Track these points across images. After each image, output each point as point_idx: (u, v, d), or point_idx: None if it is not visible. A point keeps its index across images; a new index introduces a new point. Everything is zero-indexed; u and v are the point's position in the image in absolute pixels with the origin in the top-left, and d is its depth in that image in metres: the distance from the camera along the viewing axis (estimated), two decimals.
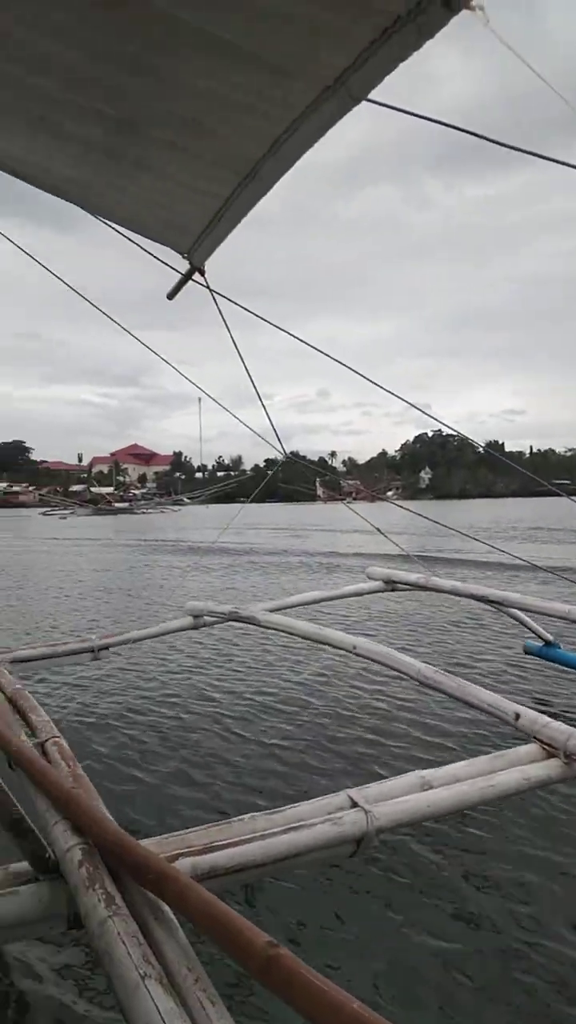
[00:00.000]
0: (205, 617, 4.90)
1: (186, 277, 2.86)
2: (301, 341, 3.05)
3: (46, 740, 2.22)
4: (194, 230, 2.63)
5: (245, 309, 2.91)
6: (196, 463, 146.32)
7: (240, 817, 1.93)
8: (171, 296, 3.04)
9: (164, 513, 62.52)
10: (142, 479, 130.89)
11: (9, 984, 2.41)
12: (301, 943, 2.58)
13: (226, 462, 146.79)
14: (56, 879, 1.74)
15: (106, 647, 4.53)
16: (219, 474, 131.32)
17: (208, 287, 2.78)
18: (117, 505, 70.60)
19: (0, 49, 1.79)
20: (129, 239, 2.86)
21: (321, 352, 3.01)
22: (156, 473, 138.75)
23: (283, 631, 4.30)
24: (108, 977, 1.29)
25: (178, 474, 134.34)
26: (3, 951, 2.51)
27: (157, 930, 1.37)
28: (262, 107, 1.88)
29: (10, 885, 1.78)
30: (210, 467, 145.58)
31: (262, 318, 2.96)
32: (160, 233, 2.83)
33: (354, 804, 1.94)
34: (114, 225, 2.86)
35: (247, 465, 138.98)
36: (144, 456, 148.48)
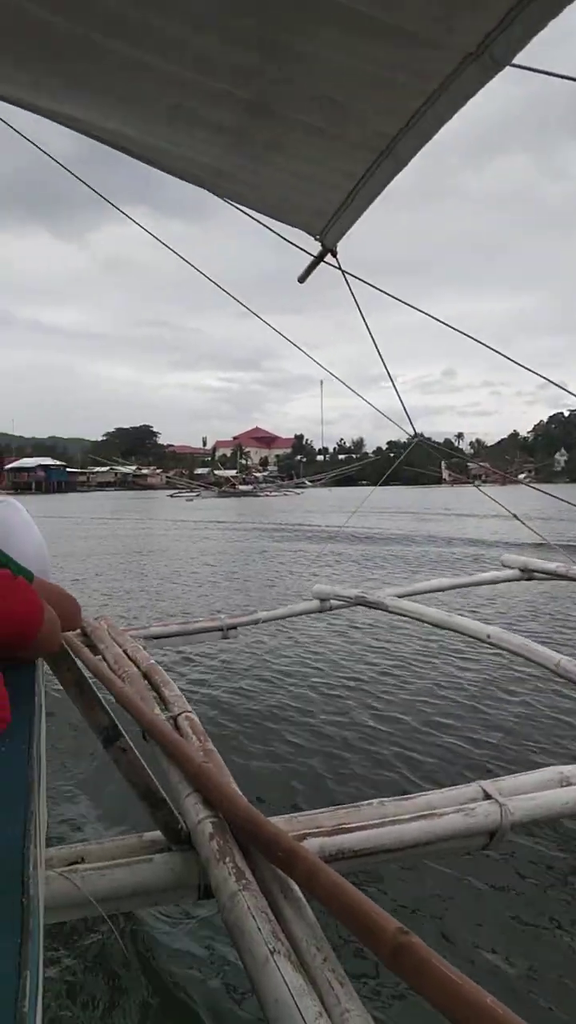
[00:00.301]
0: (332, 601, 4.91)
1: (318, 259, 2.84)
2: (434, 319, 2.96)
3: (179, 714, 2.28)
4: (327, 211, 2.60)
5: (379, 290, 2.85)
6: (317, 446, 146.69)
7: (369, 801, 1.91)
8: (302, 279, 3.02)
9: (287, 496, 63.02)
10: (263, 462, 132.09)
11: (143, 949, 2.50)
12: (426, 934, 2.55)
13: (347, 445, 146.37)
14: (187, 850, 1.78)
15: (235, 627, 4.63)
16: (340, 457, 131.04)
17: (340, 268, 2.74)
18: (241, 487, 71.74)
19: (137, 38, 1.82)
20: (261, 223, 2.86)
21: (455, 329, 2.91)
22: (277, 456, 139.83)
23: (412, 617, 4.24)
24: (238, 949, 1.31)
25: (299, 457, 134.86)
26: (136, 916, 2.61)
27: (286, 907, 1.37)
28: (399, 80, 1.82)
29: (144, 853, 1.85)
30: (331, 450, 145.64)
31: (397, 298, 2.90)
32: (292, 216, 2.82)
33: (487, 796, 1.89)
34: (246, 210, 2.87)
35: (368, 448, 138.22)
36: (265, 439, 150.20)
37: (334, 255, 2.73)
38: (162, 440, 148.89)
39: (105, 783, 3.67)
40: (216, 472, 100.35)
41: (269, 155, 2.35)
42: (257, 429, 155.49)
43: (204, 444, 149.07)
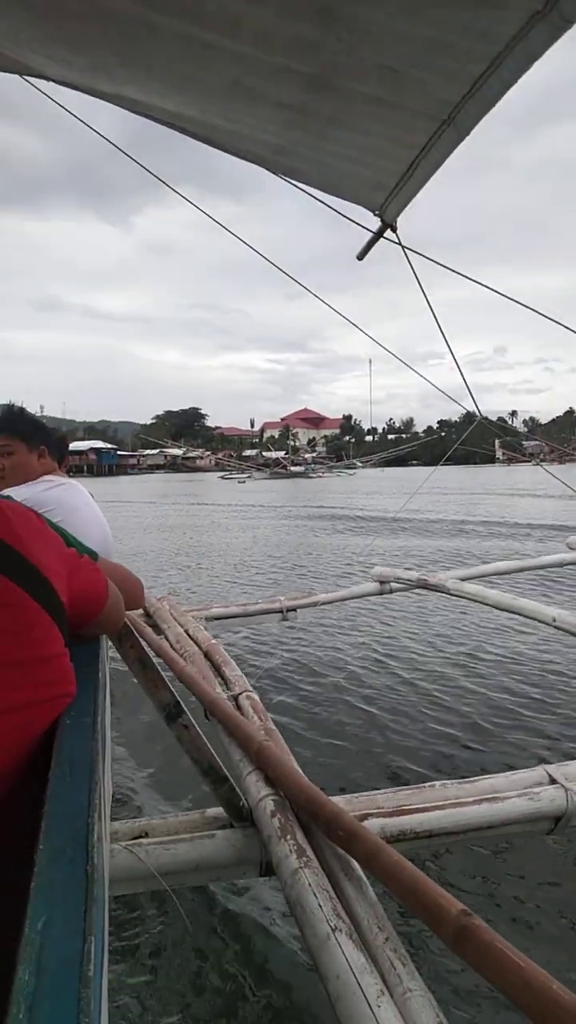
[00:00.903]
0: (392, 583, 4.88)
1: (377, 235, 2.79)
2: (498, 293, 2.89)
3: (240, 693, 2.30)
4: (386, 185, 2.55)
5: (442, 265, 2.80)
6: (366, 426, 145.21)
7: (431, 783, 1.89)
8: (361, 256, 2.98)
9: (340, 477, 62.32)
10: (311, 443, 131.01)
11: (205, 922, 2.55)
12: (488, 917, 2.52)
13: (397, 425, 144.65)
14: (249, 827, 1.80)
15: (294, 608, 4.64)
16: (390, 437, 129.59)
17: (400, 244, 2.70)
18: (292, 469, 71.34)
19: (195, 16, 1.81)
20: (319, 200, 2.83)
21: (518, 303, 2.84)
22: (325, 437, 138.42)
23: (474, 600, 4.18)
24: (299, 926, 1.32)
25: (348, 437, 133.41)
26: (199, 890, 2.65)
27: (347, 886, 1.37)
28: (463, 44, 1.77)
29: (207, 829, 1.87)
30: (380, 430, 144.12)
31: (462, 274, 2.83)
32: (351, 192, 2.78)
33: (553, 781, 1.85)
34: (304, 187, 2.84)
35: (418, 427, 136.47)
36: (314, 420, 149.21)
37: (394, 230, 2.69)
38: (210, 422, 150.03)
39: (167, 759, 3.74)
40: (264, 454, 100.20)
41: (329, 130, 2.31)
42: (305, 410, 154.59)
43: (252, 426, 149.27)
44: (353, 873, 1.41)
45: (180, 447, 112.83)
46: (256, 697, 2.31)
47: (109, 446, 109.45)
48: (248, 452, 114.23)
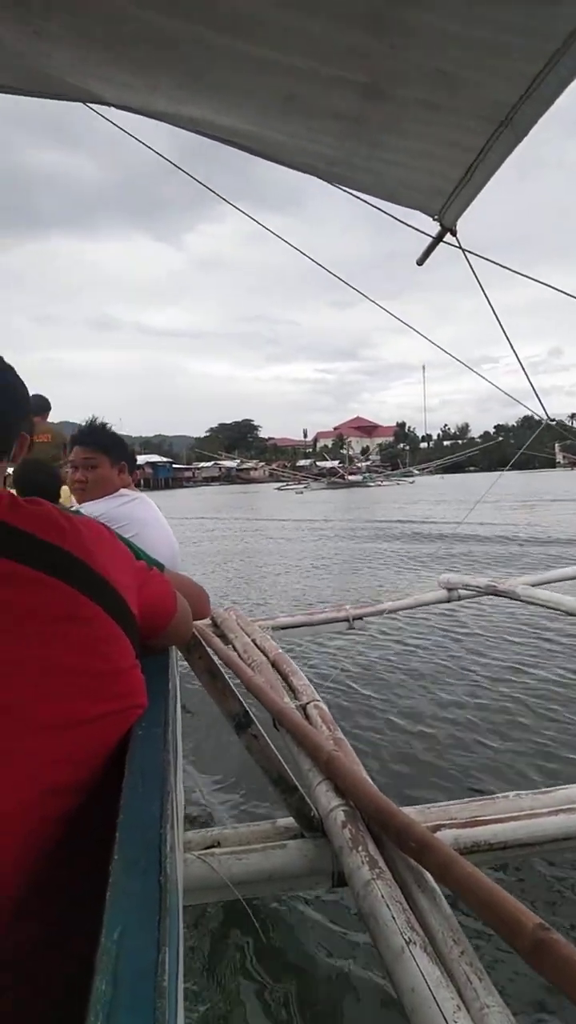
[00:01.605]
0: (460, 590, 4.81)
1: (437, 239, 2.77)
2: (561, 292, 2.84)
3: (307, 703, 2.30)
4: (444, 189, 2.54)
5: (505, 267, 2.76)
6: (420, 433, 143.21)
7: (504, 794, 1.86)
8: (420, 262, 2.96)
9: (400, 485, 60.70)
10: (365, 451, 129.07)
11: (277, 933, 2.54)
12: (567, 933, 2.45)
13: (452, 431, 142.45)
14: (320, 837, 1.80)
15: (360, 617, 4.62)
16: (445, 443, 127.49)
17: (461, 247, 2.67)
18: (350, 478, 69.95)
19: (249, 31, 1.83)
20: (377, 208, 2.82)
21: None
22: (379, 445, 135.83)
23: (546, 607, 4.10)
24: (372, 938, 1.31)
25: (402, 445, 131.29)
26: (271, 901, 2.65)
27: (420, 898, 1.35)
28: (519, 43, 1.74)
29: (278, 839, 1.87)
30: (435, 436, 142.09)
31: (528, 276, 2.80)
32: (408, 198, 2.77)
33: None
34: (360, 195, 2.84)
35: (474, 432, 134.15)
36: (366, 428, 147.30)
37: (453, 234, 2.66)
38: (263, 433, 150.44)
39: (237, 769, 3.76)
40: (319, 463, 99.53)
41: (384, 137, 2.31)
42: (358, 419, 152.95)
43: (305, 436, 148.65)
44: (426, 885, 1.39)
45: (234, 459, 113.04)
46: (324, 707, 2.30)
47: (165, 460, 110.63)
48: (302, 462, 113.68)
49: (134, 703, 0.92)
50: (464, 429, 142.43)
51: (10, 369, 0.99)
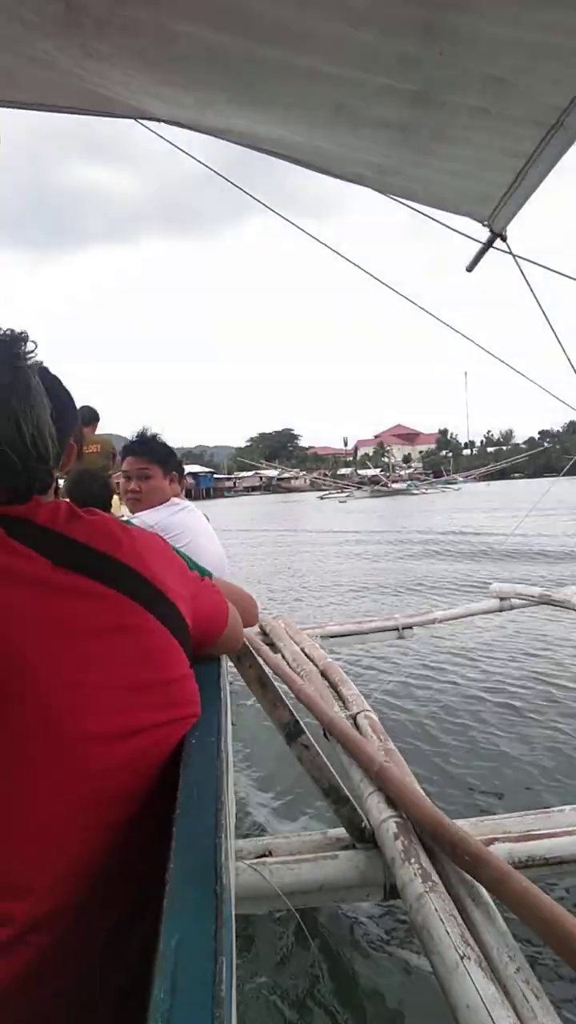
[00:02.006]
0: (513, 600, 4.75)
1: (487, 245, 2.74)
2: None
3: (357, 713, 2.29)
4: (494, 195, 2.51)
5: (556, 272, 2.72)
6: (462, 439, 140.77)
7: (560, 808, 1.83)
8: (471, 268, 2.94)
9: (446, 493, 58.23)
10: (406, 459, 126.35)
11: (329, 944, 2.53)
12: None
13: (495, 437, 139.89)
14: (371, 848, 1.78)
15: (410, 626, 4.58)
16: (489, 450, 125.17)
17: (511, 253, 2.64)
18: (394, 486, 67.91)
19: (298, 43, 1.84)
20: (426, 215, 2.81)
21: None
22: (421, 452, 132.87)
23: None
24: (425, 952, 1.29)
25: (444, 452, 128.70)
26: (322, 911, 2.64)
27: (474, 912, 1.34)
28: (570, 45, 1.72)
29: (329, 849, 1.86)
30: (478, 443, 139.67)
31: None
32: (457, 204, 2.75)
33: None
34: (409, 203, 2.83)
35: (518, 439, 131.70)
36: (408, 436, 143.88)
37: (503, 240, 2.64)
38: (303, 442, 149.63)
39: (286, 778, 3.75)
40: (360, 472, 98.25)
41: (433, 145, 2.30)
42: (399, 426, 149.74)
43: (345, 444, 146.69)
44: (480, 899, 1.37)
45: (276, 467, 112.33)
46: (375, 717, 2.29)
47: (206, 470, 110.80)
48: (343, 471, 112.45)
49: (189, 712, 0.93)
50: (508, 435, 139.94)
51: (57, 380, 1.01)
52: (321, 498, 63.29)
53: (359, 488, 68.24)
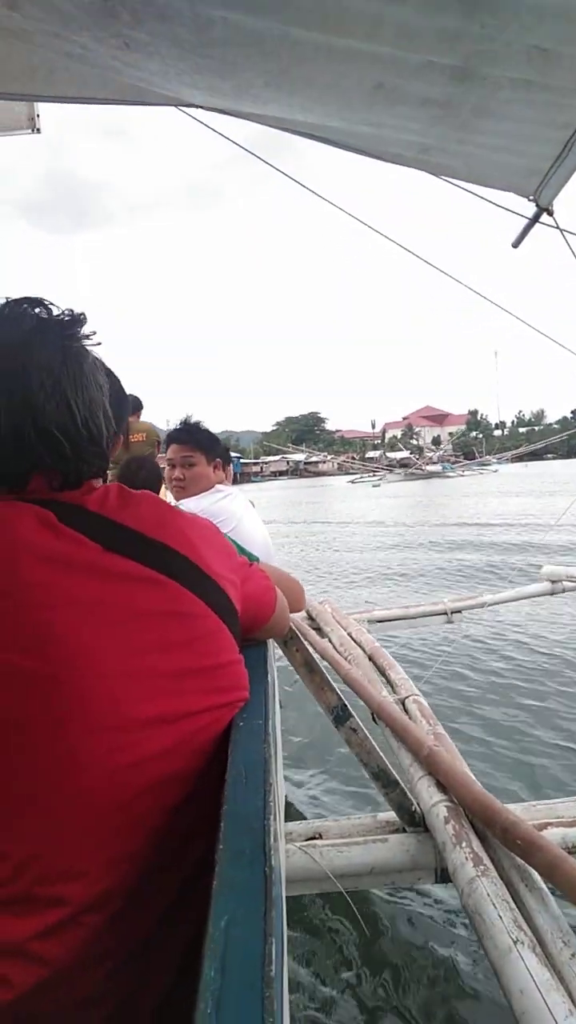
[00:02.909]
0: (564, 583, 4.67)
1: (533, 221, 2.69)
2: None
3: (406, 697, 2.28)
4: (540, 168, 2.46)
5: None
6: (492, 420, 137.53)
7: None
8: (516, 244, 2.89)
9: (483, 475, 55.69)
10: (436, 441, 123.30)
11: (379, 926, 2.54)
12: None
13: (526, 417, 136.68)
14: (422, 832, 1.78)
15: (459, 610, 4.54)
16: (520, 430, 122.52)
17: (559, 227, 2.59)
18: (428, 468, 65.56)
19: (335, 24, 1.81)
20: (469, 191, 2.77)
21: None
22: (451, 434, 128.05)
23: None
24: (478, 936, 1.29)
25: (475, 433, 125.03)
26: (374, 895, 2.65)
27: (527, 897, 1.32)
28: None
29: (379, 833, 1.87)
30: (509, 423, 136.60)
31: None
32: (501, 180, 2.70)
33: None
34: (451, 180, 2.79)
35: (550, 418, 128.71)
36: (436, 417, 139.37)
37: (550, 214, 2.58)
38: (330, 426, 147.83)
39: (335, 762, 3.76)
40: (389, 454, 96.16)
41: (475, 121, 2.26)
42: (428, 407, 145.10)
43: (373, 427, 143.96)
44: (533, 884, 1.36)
45: (303, 451, 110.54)
46: (423, 701, 2.28)
47: (233, 455, 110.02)
48: (371, 454, 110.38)
49: (238, 697, 0.94)
50: (539, 415, 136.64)
51: (113, 373, 1.02)
52: (352, 482, 60.84)
53: (391, 471, 65.49)
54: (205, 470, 2.78)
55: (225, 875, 0.61)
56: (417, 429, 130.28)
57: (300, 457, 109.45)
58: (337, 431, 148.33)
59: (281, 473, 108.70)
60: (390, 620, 4.43)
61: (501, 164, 2.56)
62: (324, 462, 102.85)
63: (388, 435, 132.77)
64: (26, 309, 0.91)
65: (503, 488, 34.18)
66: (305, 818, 2.91)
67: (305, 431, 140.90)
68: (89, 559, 0.84)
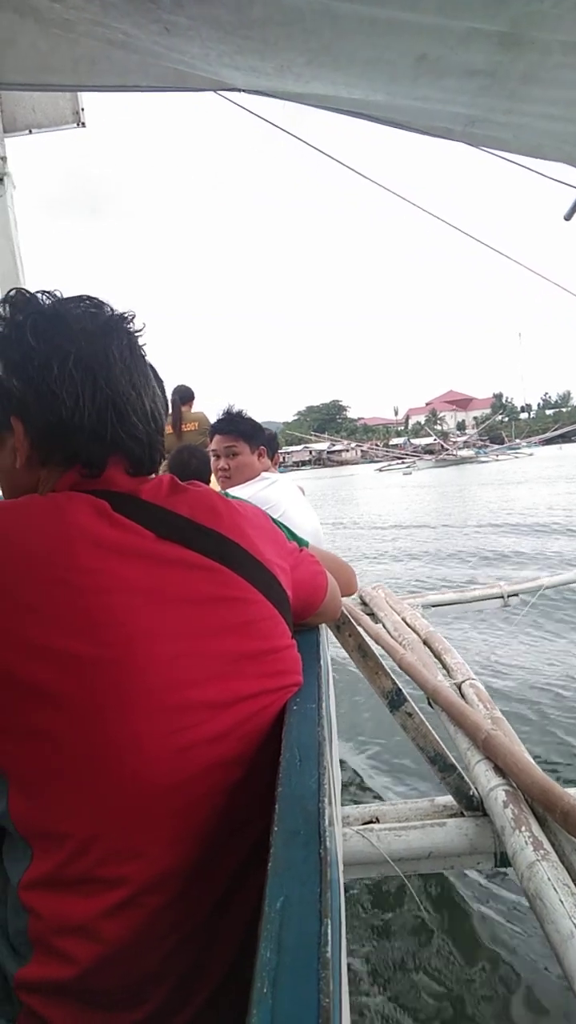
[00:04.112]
0: None
1: None
2: None
3: (462, 681, 2.25)
4: None
5: None
6: (517, 403, 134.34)
7: None
8: (568, 216, 2.82)
9: (518, 459, 52.60)
10: (460, 426, 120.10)
11: (439, 910, 2.53)
12: None
13: (553, 399, 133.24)
14: (480, 816, 1.77)
15: (516, 594, 4.46)
16: (548, 412, 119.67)
17: None
18: (460, 453, 62.52)
19: None
20: (518, 164, 2.70)
21: None
22: (475, 418, 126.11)
23: None
24: (539, 921, 1.27)
25: (500, 417, 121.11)
26: (433, 879, 2.64)
27: None
28: None
29: (437, 817, 1.86)
30: (535, 406, 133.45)
31: None
32: (552, 150, 2.62)
33: None
34: (500, 153, 2.73)
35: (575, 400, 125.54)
36: (461, 401, 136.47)
37: None
38: (351, 414, 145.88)
39: (390, 746, 3.75)
40: (413, 441, 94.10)
41: (524, 89, 2.20)
42: (451, 392, 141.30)
43: (395, 413, 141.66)
44: None
45: (325, 439, 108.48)
46: (480, 685, 2.25)
47: None
48: (395, 441, 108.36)
49: (291, 681, 0.94)
50: (565, 397, 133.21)
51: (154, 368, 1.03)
52: (380, 470, 57.43)
53: (421, 458, 62.58)
54: (249, 459, 2.79)
55: (280, 856, 0.61)
56: (441, 414, 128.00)
57: (323, 446, 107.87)
58: (359, 419, 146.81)
59: (304, 463, 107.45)
60: (445, 604, 4.38)
61: (552, 133, 2.50)
62: (348, 450, 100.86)
63: (411, 421, 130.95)
64: (90, 303, 0.94)
65: (548, 473, 31.12)
66: (362, 802, 2.91)
67: (327, 420, 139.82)
68: (143, 546, 0.84)
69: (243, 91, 2.44)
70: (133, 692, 0.77)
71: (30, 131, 3.97)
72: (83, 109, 3.88)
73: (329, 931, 0.51)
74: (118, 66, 2.27)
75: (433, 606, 4.28)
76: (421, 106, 2.49)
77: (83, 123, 3.92)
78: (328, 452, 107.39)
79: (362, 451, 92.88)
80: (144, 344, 0.98)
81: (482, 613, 5.55)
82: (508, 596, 4.40)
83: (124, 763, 0.76)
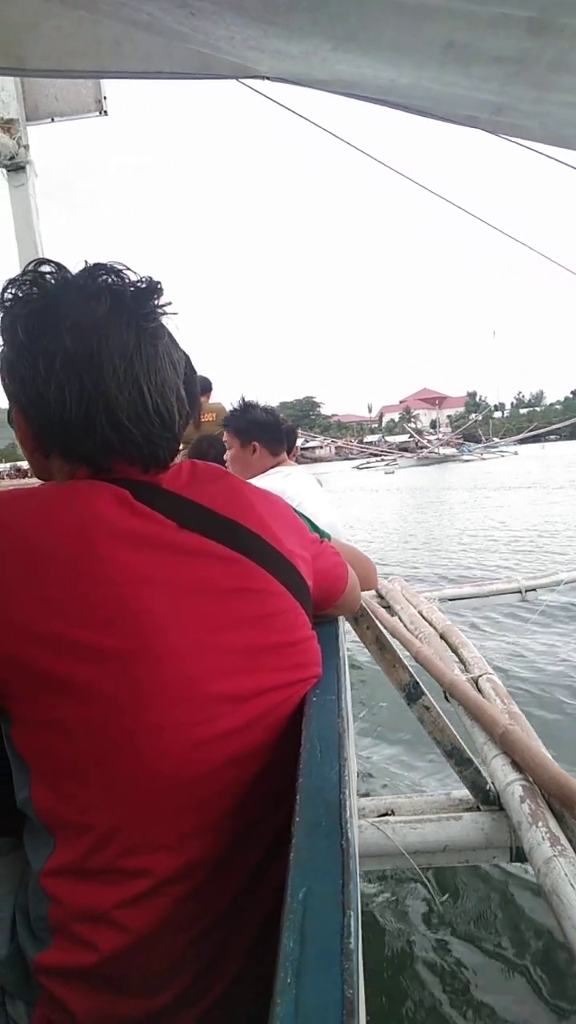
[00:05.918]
0: None
1: None
2: None
3: (479, 676, 2.24)
4: None
5: None
6: (491, 402, 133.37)
7: None
8: None
9: (503, 458, 51.06)
10: (434, 424, 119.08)
11: (453, 904, 2.52)
12: None
13: (526, 398, 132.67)
14: (497, 811, 1.76)
15: (533, 588, 4.45)
16: (521, 411, 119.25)
17: None
18: (443, 452, 59.86)
19: None
20: (546, 155, 2.67)
21: None
22: (449, 416, 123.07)
23: None
24: (555, 916, 1.26)
25: (474, 416, 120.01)
26: (447, 872, 2.63)
27: None
28: None
29: (453, 810, 1.85)
30: (509, 405, 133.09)
31: None
32: None
33: None
34: (526, 143, 2.70)
35: (549, 399, 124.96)
36: (434, 399, 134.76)
37: None
38: (325, 411, 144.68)
39: (406, 740, 3.75)
40: (388, 438, 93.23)
41: (553, 77, 2.16)
42: (425, 390, 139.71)
43: (369, 411, 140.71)
44: None
45: (300, 435, 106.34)
46: (497, 680, 2.24)
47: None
48: (369, 438, 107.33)
49: (311, 673, 0.94)
50: (539, 396, 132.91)
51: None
52: (358, 468, 53.50)
53: (402, 455, 57.77)
54: (239, 453, 2.77)
55: (302, 847, 0.60)
56: (415, 412, 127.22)
57: (297, 442, 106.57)
58: (333, 415, 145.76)
59: None
60: (462, 598, 4.37)
61: None
62: (322, 447, 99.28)
63: (385, 419, 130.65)
64: (101, 283, 0.86)
65: (544, 476, 27.75)
66: (377, 795, 2.91)
67: (301, 416, 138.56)
68: (164, 536, 0.84)
69: (267, 78, 2.42)
70: (153, 685, 0.77)
71: (52, 119, 3.97)
72: (105, 97, 3.88)
73: (351, 923, 0.50)
74: (141, 49, 2.25)
75: (450, 600, 4.27)
76: (447, 92, 2.47)
77: (105, 111, 3.91)
78: (302, 449, 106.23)
79: (336, 448, 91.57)
80: (175, 328, 0.92)
81: (499, 608, 5.53)
82: (526, 591, 4.38)
83: (144, 756, 0.76)
